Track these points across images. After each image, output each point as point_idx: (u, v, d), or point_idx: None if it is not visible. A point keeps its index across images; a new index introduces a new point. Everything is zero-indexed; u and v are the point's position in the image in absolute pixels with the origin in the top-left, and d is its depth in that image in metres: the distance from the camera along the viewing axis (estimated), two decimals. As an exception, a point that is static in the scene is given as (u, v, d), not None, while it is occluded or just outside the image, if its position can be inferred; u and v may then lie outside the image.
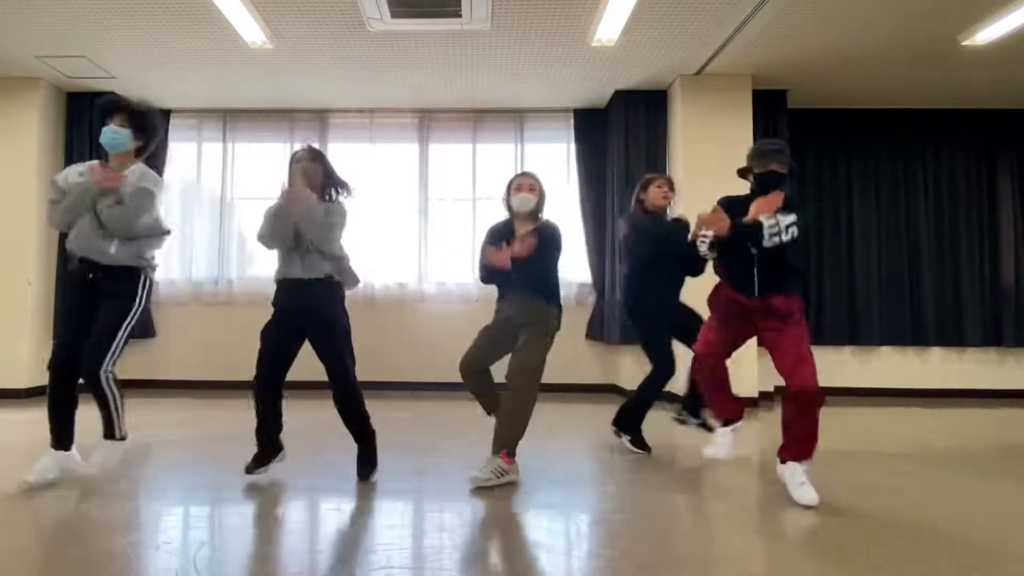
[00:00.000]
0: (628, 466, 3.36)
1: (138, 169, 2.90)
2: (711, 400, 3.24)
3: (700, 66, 5.40)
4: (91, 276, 2.82)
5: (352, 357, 2.94)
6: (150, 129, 2.94)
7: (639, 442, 3.62)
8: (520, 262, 2.99)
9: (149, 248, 2.94)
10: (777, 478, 2.84)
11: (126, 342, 2.86)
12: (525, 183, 3.20)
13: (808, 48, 5.01)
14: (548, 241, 3.11)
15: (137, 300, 2.88)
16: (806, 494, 2.64)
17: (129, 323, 2.85)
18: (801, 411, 2.70)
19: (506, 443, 2.97)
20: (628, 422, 3.65)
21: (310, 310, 2.87)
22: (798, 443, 2.74)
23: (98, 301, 2.82)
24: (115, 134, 2.83)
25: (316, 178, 2.94)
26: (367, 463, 3.02)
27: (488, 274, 3.18)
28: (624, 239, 3.80)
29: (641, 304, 3.64)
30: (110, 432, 2.89)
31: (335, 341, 2.88)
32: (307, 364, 2.98)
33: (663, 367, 3.57)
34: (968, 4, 4.31)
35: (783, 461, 2.79)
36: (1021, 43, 4.80)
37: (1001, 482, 3.12)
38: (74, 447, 2.93)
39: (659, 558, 2.13)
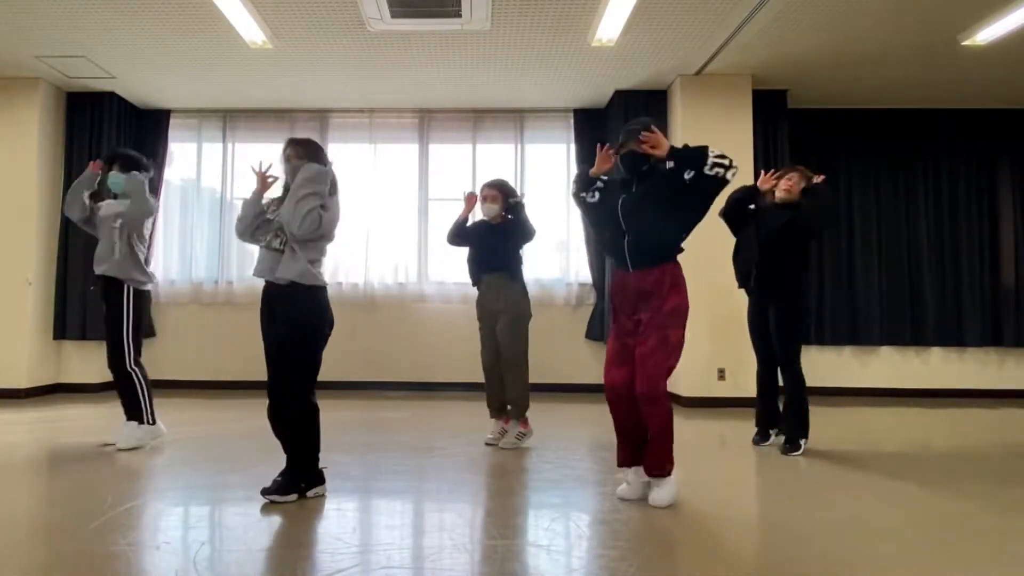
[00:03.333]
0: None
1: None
2: None
3: (700, 66, 5.40)
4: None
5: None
6: (144, 171, 3.70)
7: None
8: (489, 246, 3.70)
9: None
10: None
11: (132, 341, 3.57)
12: (489, 194, 3.73)
13: (808, 48, 5.01)
14: (515, 229, 3.69)
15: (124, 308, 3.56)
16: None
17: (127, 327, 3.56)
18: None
19: (519, 414, 3.68)
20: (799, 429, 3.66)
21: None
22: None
23: None
24: (117, 178, 3.59)
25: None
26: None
27: (454, 236, 3.89)
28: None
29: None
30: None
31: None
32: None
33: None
34: (968, 4, 4.31)
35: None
36: (1021, 43, 4.80)
37: (1003, 484, 3.12)
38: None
39: (659, 558, 2.13)
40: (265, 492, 2.61)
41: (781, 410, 3.75)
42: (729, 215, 3.78)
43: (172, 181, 6.51)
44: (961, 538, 2.34)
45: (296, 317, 2.62)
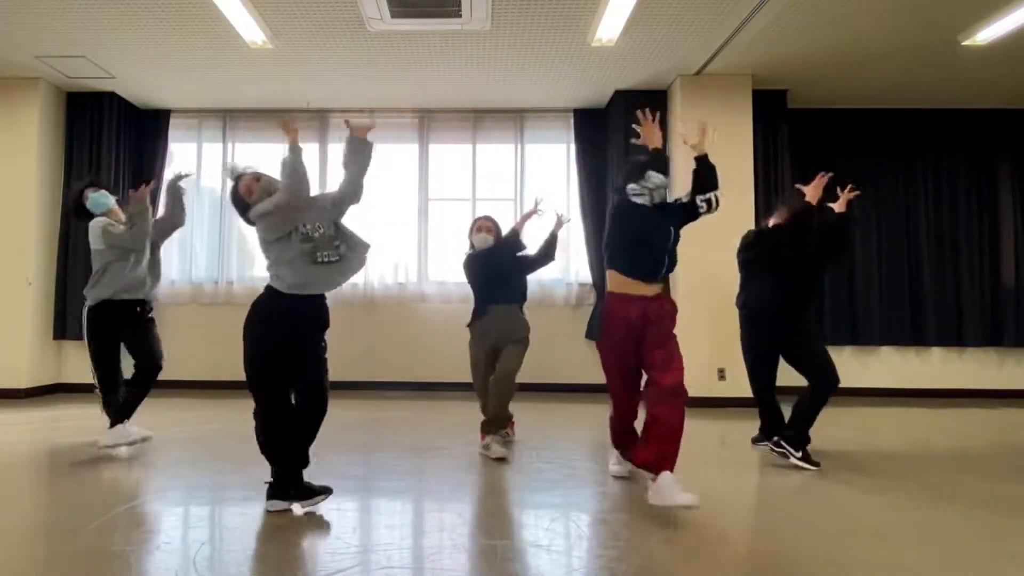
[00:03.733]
0: (627, 466, 3.35)
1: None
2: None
3: (700, 66, 5.40)
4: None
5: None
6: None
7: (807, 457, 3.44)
8: (509, 275, 3.74)
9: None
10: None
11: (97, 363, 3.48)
12: (484, 224, 3.78)
13: (808, 48, 5.01)
14: (510, 249, 3.76)
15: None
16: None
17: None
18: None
19: (498, 428, 3.65)
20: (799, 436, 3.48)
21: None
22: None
23: None
24: (101, 198, 3.58)
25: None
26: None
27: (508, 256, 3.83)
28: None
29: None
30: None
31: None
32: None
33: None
34: (968, 4, 4.31)
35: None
36: (1021, 43, 4.80)
37: (1003, 484, 3.12)
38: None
39: (659, 558, 2.13)
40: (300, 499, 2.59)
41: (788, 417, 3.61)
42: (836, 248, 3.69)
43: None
44: (961, 538, 2.34)
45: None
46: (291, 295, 2.54)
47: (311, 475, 2.93)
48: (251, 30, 4.65)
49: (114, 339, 3.49)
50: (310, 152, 6.42)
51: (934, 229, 6.28)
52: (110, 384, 3.47)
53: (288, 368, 2.54)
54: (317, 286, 2.59)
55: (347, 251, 2.64)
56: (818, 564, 2.07)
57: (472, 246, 3.85)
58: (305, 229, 2.56)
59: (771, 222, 3.71)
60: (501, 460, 3.41)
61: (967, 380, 6.16)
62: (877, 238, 6.24)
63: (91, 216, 3.57)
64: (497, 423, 3.62)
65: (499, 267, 3.75)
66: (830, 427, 4.21)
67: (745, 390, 3.94)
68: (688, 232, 2.91)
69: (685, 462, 3.53)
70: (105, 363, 3.47)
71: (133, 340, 3.54)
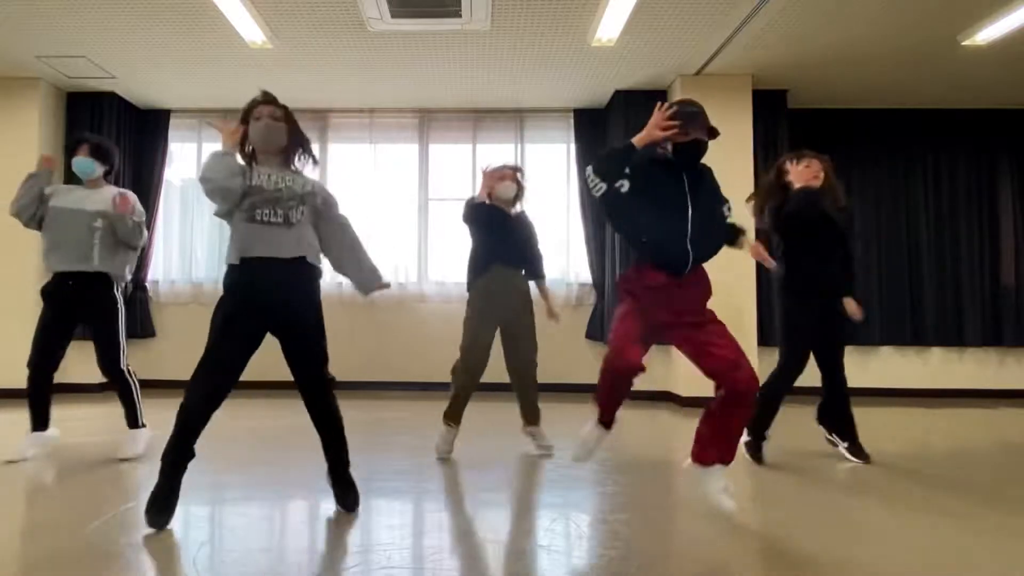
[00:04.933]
0: (627, 466, 3.36)
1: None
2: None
3: (700, 66, 5.40)
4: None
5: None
6: (111, 156, 3.43)
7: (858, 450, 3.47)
8: (512, 236, 3.46)
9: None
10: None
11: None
12: (509, 174, 3.46)
13: (808, 48, 5.01)
14: (530, 223, 3.56)
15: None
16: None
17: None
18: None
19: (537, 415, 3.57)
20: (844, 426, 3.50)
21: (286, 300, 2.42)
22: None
23: None
24: (85, 164, 3.33)
25: (280, 139, 2.52)
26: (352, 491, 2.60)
27: (475, 211, 3.46)
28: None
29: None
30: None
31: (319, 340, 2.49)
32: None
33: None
34: (968, 4, 4.31)
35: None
36: (1021, 43, 4.80)
37: (1003, 484, 3.12)
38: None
39: (659, 558, 2.13)
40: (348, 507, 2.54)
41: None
42: (799, 226, 3.33)
43: (172, 181, 6.50)
44: (960, 538, 2.34)
45: (318, 301, 2.49)
46: (230, 265, 2.38)
47: (310, 473, 2.93)
48: (251, 30, 4.65)
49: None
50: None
51: (934, 229, 6.28)
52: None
53: (237, 349, 2.36)
54: (256, 248, 2.34)
55: (303, 220, 2.42)
56: (818, 564, 2.07)
57: (487, 198, 3.45)
58: (251, 180, 2.39)
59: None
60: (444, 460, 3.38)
61: (967, 380, 6.16)
62: (877, 238, 6.24)
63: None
64: (537, 413, 3.54)
65: (517, 231, 3.46)
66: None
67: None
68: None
69: (683, 462, 3.53)
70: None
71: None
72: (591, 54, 5.12)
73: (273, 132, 2.48)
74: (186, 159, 6.51)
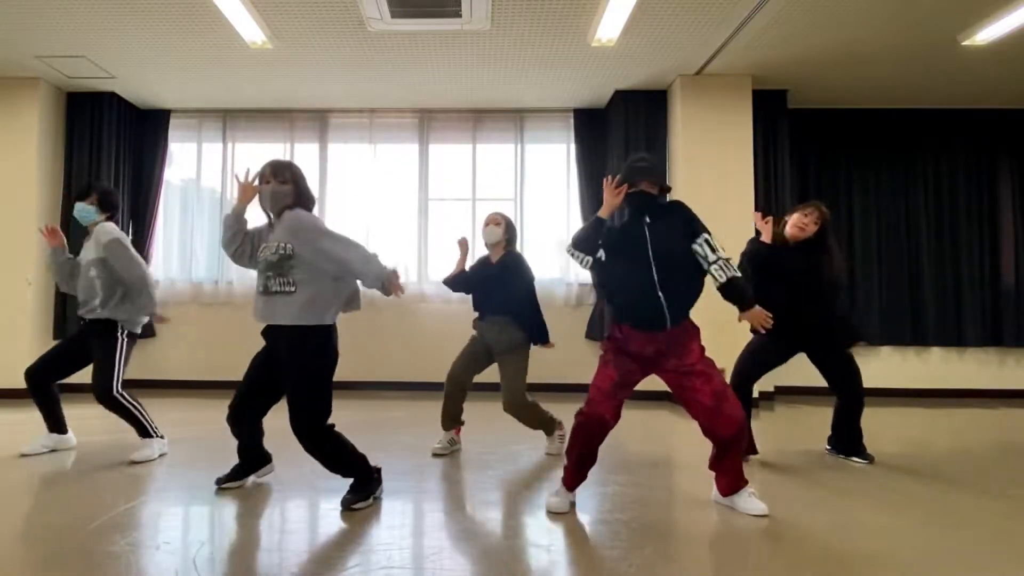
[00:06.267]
0: (627, 466, 3.36)
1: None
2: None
3: (700, 66, 5.40)
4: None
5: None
6: (115, 206, 3.60)
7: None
8: (490, 287, 3.55)
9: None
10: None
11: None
12: (493, 218, 3.63)
13: (808, 48, 5.01)
14: (511, 266, 3.55)
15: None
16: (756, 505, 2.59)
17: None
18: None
19: (551, 430, 3.66)
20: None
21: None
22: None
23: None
24: (86, 212, 3.49)
25: (287, 200, 2.72)
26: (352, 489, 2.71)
27: (455, 284, 3.72)
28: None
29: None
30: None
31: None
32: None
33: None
34: (968, 4, 4.31)
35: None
36: (1021, 43, 4.80)
37: (1003, 484, 3.12)
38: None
39: (659, 558, 2.13)
40: (346, 505, 2.60)
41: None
42: (753, 267, 3.45)
43: (172, 181, 6.51)
44: (960, 538, 2.34)
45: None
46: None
47: (310, 474, 2.93)
48: (251, 30, 4.65)
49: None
50: (310, 152, 6.45)
51: (934, 229, 6.28)
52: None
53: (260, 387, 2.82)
54: (256, 315, 2.68)
55: (305, 279, 2.65)
56: (817, 563, 2.07)
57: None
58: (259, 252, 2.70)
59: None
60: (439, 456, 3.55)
61: (967, 380, 6.17)
62: (877, 238, 6.25)
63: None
64: (545, 429, 3.64)
65: (493, 279, 3.58)
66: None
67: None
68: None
69: (687, 462, 3.54)
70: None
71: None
72: (591, 54, 5.12)
73: (263, 197, 2.73)
74: (186, 159, 6.51)
